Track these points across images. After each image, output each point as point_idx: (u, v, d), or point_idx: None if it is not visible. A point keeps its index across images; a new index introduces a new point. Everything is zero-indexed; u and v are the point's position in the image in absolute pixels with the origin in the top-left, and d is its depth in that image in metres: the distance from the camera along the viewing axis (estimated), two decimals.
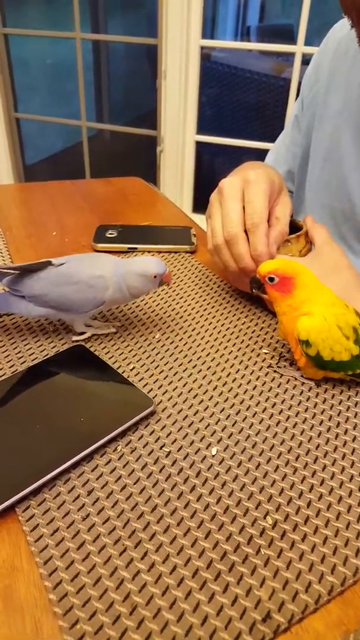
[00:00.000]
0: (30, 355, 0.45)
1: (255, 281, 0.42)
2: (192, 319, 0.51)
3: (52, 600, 0.27)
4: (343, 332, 0.39)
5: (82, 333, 0.47)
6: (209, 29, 2.58)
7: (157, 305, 0.53)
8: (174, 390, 0.41)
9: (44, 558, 0.29)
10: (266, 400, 0.41)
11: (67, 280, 0.43)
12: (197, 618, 0.26)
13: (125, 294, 0.45)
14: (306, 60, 1.73)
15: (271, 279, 0.40)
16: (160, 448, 0.36)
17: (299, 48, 1.73)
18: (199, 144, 2.05)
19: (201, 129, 2.02)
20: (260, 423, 0.38)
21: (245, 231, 0.47)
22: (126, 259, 0.45)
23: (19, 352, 0.45)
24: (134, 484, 0.33)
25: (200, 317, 0.51)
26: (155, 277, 0.44)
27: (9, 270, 0.45)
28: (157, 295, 0.55)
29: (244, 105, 2.17)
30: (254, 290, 0.42)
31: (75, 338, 0.47)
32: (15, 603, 0.27)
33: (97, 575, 0.28)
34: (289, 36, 1.92)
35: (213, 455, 0.35)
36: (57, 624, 0.26)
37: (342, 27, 0.61)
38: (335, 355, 0.39)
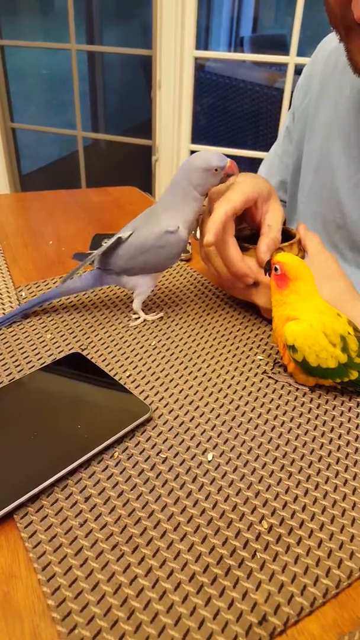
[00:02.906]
0: (27, 363, 0.45)
1: (268, 265, 0.44)
2: (188, 326, 0.52)
3: (50, 606, 0.27)
4: (329, 339, 0.40)
5: (137, 318, 0.52)
6: (203, 39, 2.61)
7: (152, 313, 0.53)
8: (170, 396, 0.42)
9: (42, 564, 0.29)
10: (261, 406, 0.41)
11: (141, 249, 0.48)
12: (194, 622, 0.27)
13: (197, 197, 0.47)
14: (299, 70, 1.76)
15: (276, 269, 0.43)
16: (157, 454, 0.36)
17: (291, 59, 1.76)
18: (193, 154, 2.06)
19: (196, 138, 2.04)
20: (255, 428, 0.39)
21: (236, 236, 0.49)
22: (189, 158, 0.47)
23: (16, 360, 0.45)
24: (131, 490, 0.33)
25: (196, 324, 0.52)
26: (216, 170, 0.45)
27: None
28: (153, 303, 0.56)
29: (237, 115, 2.19)
30: (266, 274, 0.45)
31: (132, 324, 0.51)
32: (14, 609, 0.27)
33: (95, 581, 0.28)
34: (282, 46, 1.95)
35: (209, 461, 0.36)
36: (55, 629, 0.26)
37: (332, 39, 0.63)
38: (321, 362, 0.40)
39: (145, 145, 2.09)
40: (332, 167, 0.59)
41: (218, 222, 0.46)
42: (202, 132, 2.14)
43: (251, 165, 1.93)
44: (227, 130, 2.22)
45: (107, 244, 0.48)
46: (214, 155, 0.45)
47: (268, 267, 0.44)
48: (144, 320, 0.52)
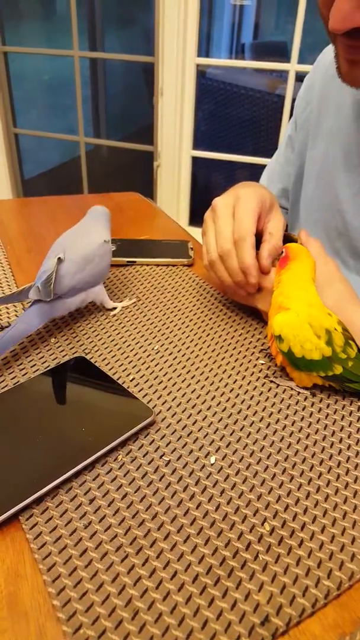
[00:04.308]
0: (32, 367, 0.46)
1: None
2: (190, 331, 0.52)
3: (55, 606, 0.27)
4: (314, 330, 0.41)
5: (114, 308, 0.55)
6: (204, 46, 2.63)
7: (155, 317, 0.54)
8: (172, 400, 0.42)
9: (48, 565, 0.29)
10: (263, 410, 0.42)
11: (85, 262, 0.50)
12: (198, 622, 0.27)
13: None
14: (300, 77, 1.77)
15: (282, 252, 0.47)
16: (160, 457, 0.37)
17: (292, 66, 1.77)
18: (195, 159, 2.08)
19: (197, 144, 2.06)
20: (257, 432, 0.39)
21: None
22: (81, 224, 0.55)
23: (21, 363, 0.46)
24: (135, 492, 0.34)
25: (198, 328, 0.53)
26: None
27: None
28: (156, 308, 0.56)
29: (239, 121, 2.21)
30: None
31: (113, 313, 0.54)
32: (19, 609, 0.27)
33: (99, 581, 0.29)
34: (283, 52, 1.96)
35: (212, 464, 0.36)
36: (60, 629, 0.27)
37: (331, 50, 0.64)
38: (306, 353, 0.41)
39: (147, 151, 2.11)
40: (333, 175, 0.60)
41: (252, 263, 0.48)
42: (204, 138, 2.16)
43: (252, 171, 1.94)
44: (228, 137, 2.23)
45: (46, 270, 0.48)
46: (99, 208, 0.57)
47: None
48: (122, 307, 0.55)
